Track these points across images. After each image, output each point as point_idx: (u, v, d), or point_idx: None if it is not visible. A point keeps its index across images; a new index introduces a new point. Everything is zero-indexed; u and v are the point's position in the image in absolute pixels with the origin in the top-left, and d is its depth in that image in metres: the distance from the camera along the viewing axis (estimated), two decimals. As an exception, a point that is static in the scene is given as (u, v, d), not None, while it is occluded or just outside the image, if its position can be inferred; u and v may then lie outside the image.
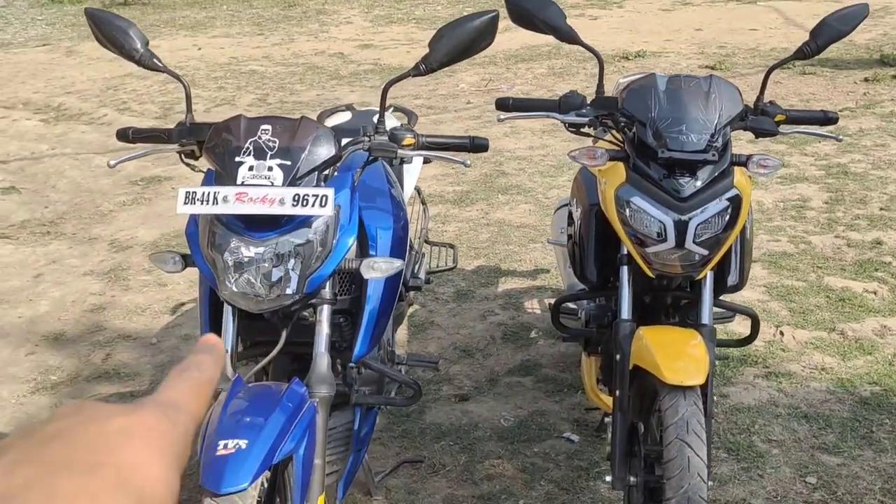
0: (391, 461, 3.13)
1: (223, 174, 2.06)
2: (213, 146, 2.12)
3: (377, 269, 2.17)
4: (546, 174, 5.94)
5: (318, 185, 2.07)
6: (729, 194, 2.29)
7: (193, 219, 2.20)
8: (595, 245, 2.58)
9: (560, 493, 2.96)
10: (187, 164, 2.38)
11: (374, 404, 2.54)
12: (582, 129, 2.52)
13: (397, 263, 2.18)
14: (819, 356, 3.69)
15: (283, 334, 2.21)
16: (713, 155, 2.25)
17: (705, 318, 2.40)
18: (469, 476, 3.06)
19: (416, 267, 3.28)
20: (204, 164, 2.36)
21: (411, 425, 3.35)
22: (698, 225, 2.26)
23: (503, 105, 2.58)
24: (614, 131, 2.46)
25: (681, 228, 2.25)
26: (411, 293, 3.29)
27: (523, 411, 3.43)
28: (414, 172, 3.28)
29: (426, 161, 3.50)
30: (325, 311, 2.18)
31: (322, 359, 2.14)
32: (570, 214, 2.91)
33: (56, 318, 4.34)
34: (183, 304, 4.42)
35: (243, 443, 1.87)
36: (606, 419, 2.99)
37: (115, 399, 3.62)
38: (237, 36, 11.69)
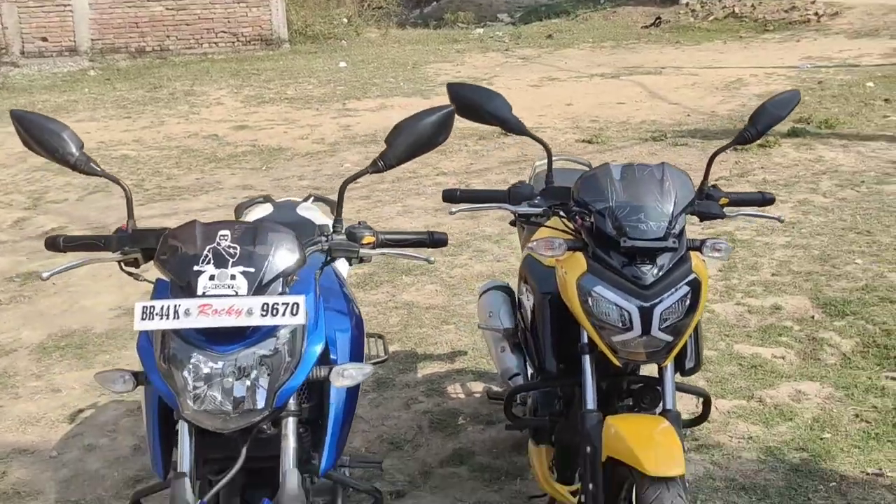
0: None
1: (180, 285, 1.92)
2: (167, 255, 1.98)
3: (347, 376, 2.06)
4: (446, 253, 5.91)
5: (283, 293, 1.96)
6: (689, 279, 2.30)
7: (145, 333, 2.03)
8: (552, 335, 2.55)
9: (516, 590, 2.86)
10: (128, 273, 2.21)
11: (332, 517, 2.40)
12: (532, 219, 2.50)
13: (367, 369, 2.08)
14: (744, 425, 3.75)
15: (243, 451, 2.06)
16: (673, 242, 2.26)
17: (669, 404, 2.39)
18: (420, 580, 2.92)
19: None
20: (146, 271, 2.21)
21: (350, 528, 3.19)
22: (663, 311, 2.26)
23: (451, 197, 2.54)
24: (566, 220, 2.45)
25: (646, 316, 2.25)
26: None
27: (464, 504, 3.32)
28: (344, 269, 3.19)
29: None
30: (291, 423, 2.04)
31: (292, 476, 2.00)
32: (520, 303, 2.87)
33: (-62, 435, 3.97)
34: (81, 410, 4.13)
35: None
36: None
37: (18, 524, 3.31)
38: (103, 119, 11.29)
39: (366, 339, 3.63)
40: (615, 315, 2.26)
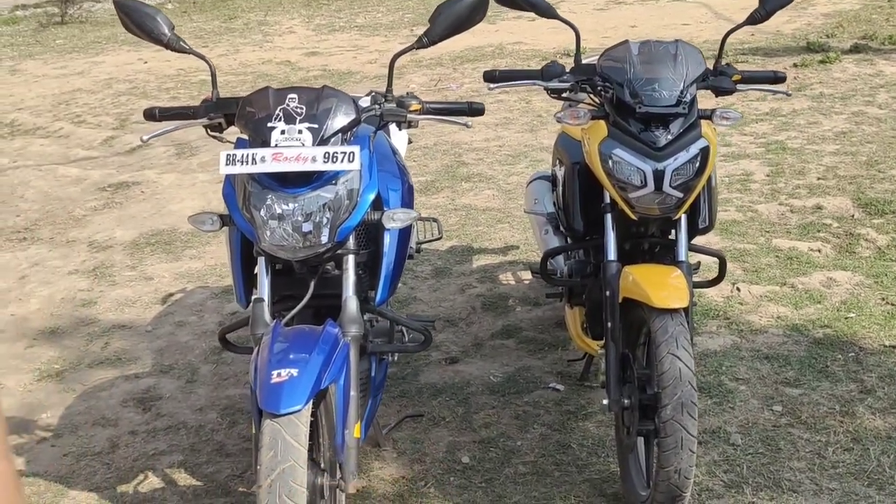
0: (394, 417, 3.37)
1: (256, 138, 2.29)
2: (245, 115, 2.35)
3: (397, 219, 2.42)
4: (504, 163, 6.23)
5: (347, 144, 2.32)
6: (699, 144, 2.60)
7: (228, 180, 2.42)
8: (580, 198, 2.87)
9: (552, 433, 3.24)
10: (213, 137, 2.59)
11: (388, 352, 2.79)
12: (562, 95, 2.81)
13: (413, 213, 2.44)
14: (774, 307, 4.03)
15: (311, 284, 2.45)
16: (683, 108, 2.56)
17: (682, 255, 2.70)
18: (468, 425, 3.32)
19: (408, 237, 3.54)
20: (229, 135, 2.59)
21: (408, 386, 3.60)
22: (673, 171, 2.56)
23: (491, 77, 2.85)
24: (591, 94, 2.76)
25: (658, 175, 2.55)
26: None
27: (510, 368, 3.70)
28: (401, 150, 3.54)
29: (409, 142, 3.77)
30: (351, 260, 2.42)
31: (351, 301, 2.38)
32: (555, 179, 3.18)
33: (48, 314, 4.49)
34: (171, 294, 4.60)
35: (294, 371, 2.11)
36: (594, 365, 3.29)
37: (121, 381, 3.80)
38: (182, 49, 11.77)
39: (422, 222, 4.01)
40: (632, 174, 2.57)
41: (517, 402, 3.46)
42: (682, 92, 2.57)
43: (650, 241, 2.88)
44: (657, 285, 2.49)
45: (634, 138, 2.58)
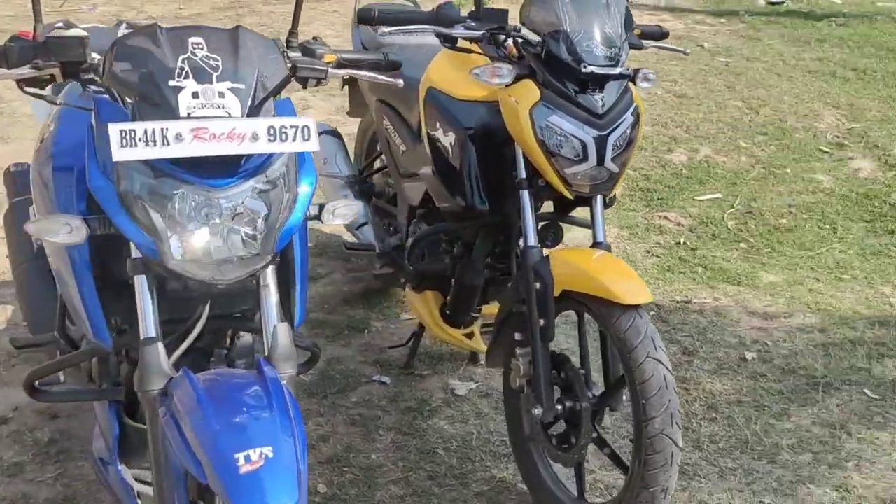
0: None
1: (151, 104, 1.52)
2: (126, 68, 1.55)
3: (339, 214, 1.78)
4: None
5: (275, 114, 1.63)
6: (633, 109, 2.27)
7: (98, 169, 1.59)
8: (480, 171, 2.39)
9: (406, 439, 2.78)
10: (33, 95, 1.70)
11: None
12: (456, 45, 2.30)
13: (356, 207, 1.82)
14: (556, 266, 3.89)
15: (206, 309, 1.74)
16: (627, 69, 2.20)
17: (601, 236, 2.36)
18: (302, 441, 2.74)
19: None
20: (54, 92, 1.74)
21: (201, 398, 2.89)
22: (614, 141, 2.21)
23: (367, 17, 2.25)
24: (497, 48, 2.29)
25: (601, 146, 2.18)
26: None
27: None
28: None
29: None
30: (270, 273, 1.73)
31: (283, 330, 1.70)
32: (421, 143, 2.64)
33: None
34: None
35: (268, 450, 1.45)
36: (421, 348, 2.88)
37: None
38: None
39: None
40: (569, 145, 2.17)
41: (344, 403, 2.94)
42: (619, 49, 2.20)
43: (539, 216, 2.50)
44: (612, 275, 2.14)
45: (572, 102, 2.17)
